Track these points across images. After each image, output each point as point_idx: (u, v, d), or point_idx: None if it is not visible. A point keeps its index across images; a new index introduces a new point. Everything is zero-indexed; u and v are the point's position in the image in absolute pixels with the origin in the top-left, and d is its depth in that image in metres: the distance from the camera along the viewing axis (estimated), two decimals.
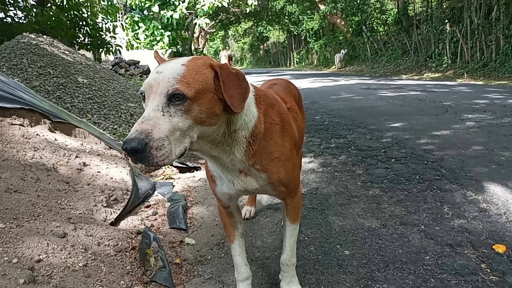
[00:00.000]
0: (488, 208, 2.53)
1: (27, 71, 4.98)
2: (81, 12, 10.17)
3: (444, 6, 17.74)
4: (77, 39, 10.04)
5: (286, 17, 31.85)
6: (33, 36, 6.10)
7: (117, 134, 4.33)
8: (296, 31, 33.98)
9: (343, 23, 26.19)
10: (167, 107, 1.11)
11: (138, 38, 19.82)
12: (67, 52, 6.15)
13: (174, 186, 3.23)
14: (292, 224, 1.64)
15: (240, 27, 41.81)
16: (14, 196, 2.01)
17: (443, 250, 2.04)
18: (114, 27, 11.06)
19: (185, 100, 1.12)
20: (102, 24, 10.86)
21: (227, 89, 1.17)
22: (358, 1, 22.98)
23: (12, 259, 1.56)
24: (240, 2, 23.41)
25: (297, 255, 1.76)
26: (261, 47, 50.82)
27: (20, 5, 9.67)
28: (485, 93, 8.69)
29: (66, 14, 9.65)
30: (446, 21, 16.37)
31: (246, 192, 1.51)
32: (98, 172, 2.73)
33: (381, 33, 23.69)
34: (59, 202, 2.19)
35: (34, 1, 9.72)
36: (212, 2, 18.07)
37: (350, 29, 25.55)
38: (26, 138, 2.68)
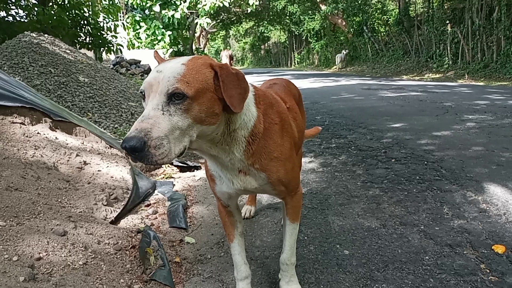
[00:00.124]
0: (488, 208, 2.53)
1: (28, 70, 4.99)
2: (82, 11, 10.19)
3: (446, 7, 17.72)
4: (79, 38, 10.06)
5: (287, 17, 31.86)
6: (34, 35, 6.11)
7: (118, 133, 4.34)
8: (297, 31, 33.94)
9: (344, 23, 26.19)
10: (167, 106, 1.12)
11: (139, 38, 19.81)
12: (68, 51, 6.15)
13: (174, 185, 3.23)
14: (292, 224, 1.65)
15: (241, 27, 41.80)
16: (14, 194, 2.02)
17: (442, 250, 2.04)
18: (116, 26, 11.08)
19: (185, 99, 1.12)
20: (104, 23, 10.87)
21: (227, 89, 1.18)
22: (359, 2, 22.99)
23: (12, 257, 1.56)
24: (242, 2, 23.38)
25: (296, 255, 1.76)
26: (262, 47, 50.78)
27: (22, 4, 9.70)
28: (485, 94, 8.68)
29: (67, 13, 9.66)
30: (447, 21, 16.37)
31: (246, 191, 1.52)
32: (98, 170, 2.73)
33: (382, 33, 23.68)
34: (59, 200, 2.20)
35: (36, 0, 9.73)
36: (213, 2, 18.05)
37: (351, 30, 25.54)
38: (27, 136, 2.68)
